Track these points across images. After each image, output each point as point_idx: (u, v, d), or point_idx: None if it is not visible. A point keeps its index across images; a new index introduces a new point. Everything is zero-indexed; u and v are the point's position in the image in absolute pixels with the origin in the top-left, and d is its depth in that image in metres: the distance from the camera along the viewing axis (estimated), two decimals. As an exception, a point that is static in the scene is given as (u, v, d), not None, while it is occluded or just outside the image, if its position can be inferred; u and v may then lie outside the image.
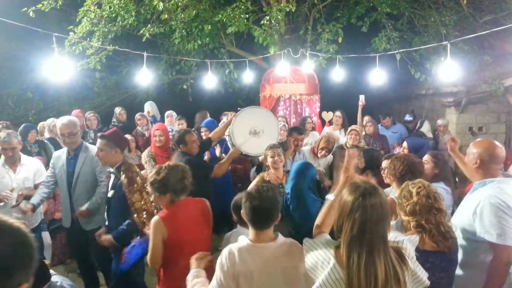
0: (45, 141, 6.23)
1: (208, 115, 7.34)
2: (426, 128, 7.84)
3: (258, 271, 2.25)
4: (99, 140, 3.75)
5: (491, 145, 2.80)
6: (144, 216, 3.35)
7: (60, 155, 4.33)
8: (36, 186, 4.49)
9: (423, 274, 1.90)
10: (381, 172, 3.54)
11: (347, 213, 1.83)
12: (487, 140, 2.92)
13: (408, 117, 8.00)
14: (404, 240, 1.97)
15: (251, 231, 2.36)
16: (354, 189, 1.87)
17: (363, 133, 6.31)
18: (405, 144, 5.00)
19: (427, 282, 1.90)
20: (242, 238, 2.37)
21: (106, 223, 3.75)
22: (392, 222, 3.05)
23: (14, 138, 4.35)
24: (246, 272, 2.24)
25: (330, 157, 5.57)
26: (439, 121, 7.62)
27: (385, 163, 3.56)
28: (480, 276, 2.60)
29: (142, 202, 3.39)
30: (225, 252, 2.30)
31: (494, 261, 2.54)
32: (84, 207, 4.05)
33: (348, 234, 1.80)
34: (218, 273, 2.27)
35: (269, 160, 4.17)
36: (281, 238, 2.38)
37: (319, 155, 5.46)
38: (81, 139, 4.35)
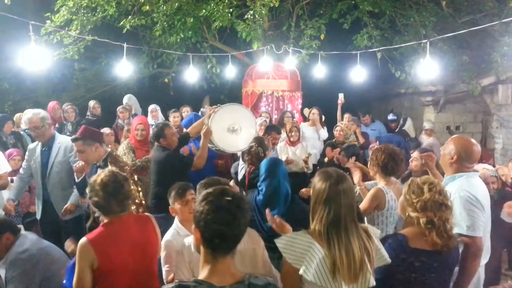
0: (22, 132, 6.10)
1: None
2: (408, 126, 7.98)
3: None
4: (74, 144, 3.72)
5: (469, 143, 2.85)
6: (133, 207, 3.14)
7: (34, 147, 4.33)
8: None
9: (385, 252, 2.09)
10: (368, 165, 3.60)
11: (321, 199, 1.98)
12: (465, 138, 2.98)
13: (391, 116, 8.05)
14: (369, 226, 2.17)
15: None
16: (325, 177, 2.01)
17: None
18: (377, 143, 5.21)
19: (389, 260, 2.09)
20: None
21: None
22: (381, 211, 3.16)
23: None
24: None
25: (304, 144, 5.73)
26: (426, 125, 7.54)
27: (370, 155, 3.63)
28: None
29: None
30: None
31: (464, 252, 2.59)
32: (70, 203, 4.01)
33: (325, 218, 1.95)
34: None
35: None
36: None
37: (291, 139, 5.74)
38: (52, 130, 4.35)
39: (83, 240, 2.33)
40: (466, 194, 2.65)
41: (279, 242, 1.99)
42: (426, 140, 7.32)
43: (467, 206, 2.63)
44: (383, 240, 2.29)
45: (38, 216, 4.35)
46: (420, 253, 2.25)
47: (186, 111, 7.19)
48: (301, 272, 1.92)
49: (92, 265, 2.30)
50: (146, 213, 2.77)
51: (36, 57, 4.36)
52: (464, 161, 2.81)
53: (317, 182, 2.04)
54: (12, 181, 4.89)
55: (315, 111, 6.96)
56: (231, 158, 6.20)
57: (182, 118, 6.80)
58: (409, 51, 7.58)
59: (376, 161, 3.34)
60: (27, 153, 4.40)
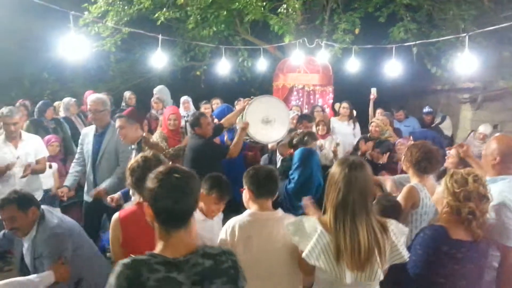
0: (61, 119, 6.33)
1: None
2: (447, 125, 7.68)
3: (258, 235, 2.36)
4: (118, 120, 3.91)
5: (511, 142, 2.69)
6: None
7: (88, 132, 4.43)
8: (37, 162, 4.54)
9: (404, 251, 2.05)
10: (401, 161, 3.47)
11: (334, 182, 2.01)
12: (509, 137, 2.80)
13: (427, 109, 7.72)
14: (393, 222, 2.11)
15: (252, 205, 2.50)
16: (342, 162, 2.05)
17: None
18: (411, 137, 5.02)
19: (406, 258, 2.05)
20: (246, 213, 2.49)
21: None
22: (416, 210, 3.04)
23: (16, 113, 4.38)
24: (245, 238, 2.35)
25: (334, 137, 5.73)
26: (481, 128, 6.65)
27: (402, 150, 3.53)
28: None
29: None
30: (225, 227, 2.46)
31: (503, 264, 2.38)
32: (101, 187, 4.09)
33: (334, 201, 1.99)
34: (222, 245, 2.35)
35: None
36: (281, 211, 2.53)
37: (319, 132, 5.72)
38: (109, 118, 4.41)
39: (115, 215, 2.48)
40: (506, 200, 2.48)
41: (289, 225, 2.08)
42: (477, 146, 6.25)
43: (507, 214, 2.46)
44: (420, 232, 2.26)
45: (89, 199, 4.34)
46: (461, 244, 2.20)
47: (216, 103, 7.26)
48: (303, 255, 1.97)
49: (119, 240, 2.43)
50: None
51: (76, 46, 4.52)
52: (507, 162, 2.63)
53: (333, 167, 2.08)
54: (50, 166, 5.10)
55: (345, 105, 6.88)
56: (260, 150, 6.24)
57: (212, 110, 6.88)
58: (446, 45, 7.33)
59: (410, 158, 3.19)
60: (80, 137, 4.51)
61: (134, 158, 2.67)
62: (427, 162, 3.14)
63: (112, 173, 4.16)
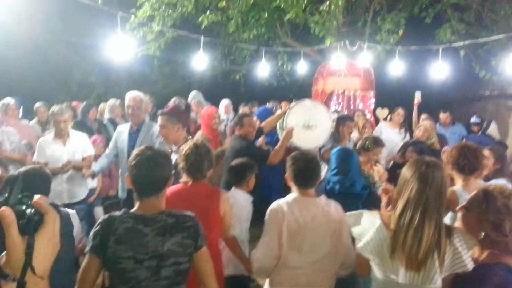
0: (105, 122, 6.50)
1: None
2: (493, 129, 7.30)
3: (305, 221, 2.45)
4: (160, 117, 3.76)
5: None
6: None
7: (123, 130, 4.51)
8: (83, 159, 4.68)
9: (468, 260, 1.87)
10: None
11: (409, 178, 1.92)
12: None
13: (474, 119, 7.27)
14: (461, 233, 1.94)
15: (296, 191, 2.58)
16: (417, 160, 1.98)
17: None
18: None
19: (469, 268, 1.86)
20: (289, 195, 2.58)
21: None
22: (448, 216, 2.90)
23: (66, 112, 4.55)
24: (293, 222, 2.44)
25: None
26: None
27: (445, 156, 3.36)
28: None
29: None
30: (273, 205, 2.53)
31: None
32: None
33: (407, 196, 1.90)
34: (267, 227, 2.49)
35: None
36: (324, 197, 2.60)
37: (364, 134, 5.61)
38: (145, 116, 4.50)
39: None
40: None
41: (349, 217, 2.08)
42: None
43: None
44: (494, 273, 1.86)
45: (124, 195, 4.45)
46: None
47: (255, 107, 7.25)
48: (358, 247, 1.95)
49: None
50: (219, 189, 3.01)
51: (122, 47, 4.68)
52: None
53: (407, 167, 2.00)
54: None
55: (401, 111, 6.49)
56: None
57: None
58: (496, 47, 6.99)
59: (450, 159, 3.08)
60: (115, 134, 4.61)
61: (187, 145, 2.87)
62: (465, 160, 3.00)
63: None
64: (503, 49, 6.96)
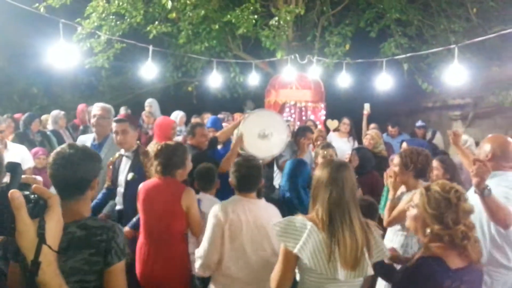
0: (48, 133, 6.21)
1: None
2: (438, 140, 7.68)
3: (247, 220, 2.57)
4: (120, 124, 3.67)
5: (505, 141, 2.79)
6: None
7: (85, 141, 4.26)
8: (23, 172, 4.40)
9: (385, 248, 2.07)
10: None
11: (324, 183, 1.99)
12: (501, 136, 2.89)
13: (419, 123, 7.66)
14: (370, 221, 2.11)
15: (237, 194, 2.73)
16: (327, 164, 2.08)
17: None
18: (404, 145, 4.97)
19: (388, 254, 2.09)
20: (232, 197, 2.73)
21: (118, 207, 3.69)
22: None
23: (2, 122, 4.37)
24: (236, 221, 2.56)
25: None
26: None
27: (395, 159, 3.37)
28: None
29: None
30: (216, 206, 2.65)
31: None
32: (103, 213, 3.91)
33: (328, 201, 1.96)
34: (210, 224, 2.59)
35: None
36: (264, 200, 2.77)
37: (317, 145, 5.52)
38: (110, 130, 4.25)
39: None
40: (505, 190, 2.52)
41: (276, 226, 2.00)
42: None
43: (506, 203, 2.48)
44: (414, 267, 1.98)
45: None
46: (462, 273, 1.89)
47: (207, 117, 7.19)
48: (295, 251, 1.89)
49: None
50: (184, 185, 3.15)
51: (65, 56, 4.47)
52: (499, 160, 2.73)
53: (318, 170, 2.09)
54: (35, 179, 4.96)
55: (346, 121, 6.78)
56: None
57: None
58: (436, 60, 7.42)
59: (411, 163, 3.09)
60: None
61: (154, 145, 3.20)
62: (429, 166, 3.16)
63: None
64: (442, 62, 7.40)
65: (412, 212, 2.03)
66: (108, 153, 4.04)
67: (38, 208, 0.95)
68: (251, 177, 2.69)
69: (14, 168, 0.98)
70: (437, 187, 1.97)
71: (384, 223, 3.06)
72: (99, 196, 3.79)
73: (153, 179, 3.11)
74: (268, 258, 2.55)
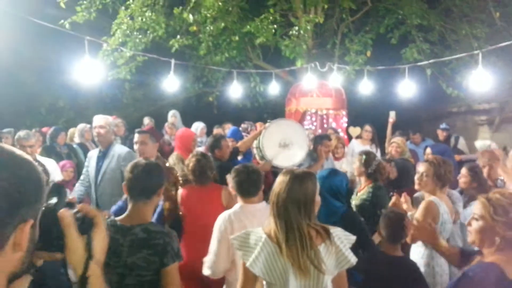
0: (75, 146, 6.35)
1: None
2: (462, 145, 7.51)
3: (252, 226, 2.57)
4: (141, 135, 3.92)
5: None
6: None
7: (93, 154, 4.47)
8: None
9: (351, 255, 2.00)
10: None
11: (275, 193, 2.02)
12: None
13: (443, 125, 7.48)
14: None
15: (240, 201, 2.85)
16: (285, 173, 2.07)
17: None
18: (428, 150, 4.93)
19: (353, 262, 1.99)
20: (235, 205, 2.86)
21: None
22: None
23: (32, 137, 4.48)
24: (243, 228, 2.55)
25: (349, 158, 5.59)
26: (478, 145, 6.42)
27: (421, 168, 3.33)
28: None
29: (173, 192, 3.66)
30: (221, 217, 2.78)
31: None
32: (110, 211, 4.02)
33: (274, 210, 2.00)
34: (214, 237, 2.74)
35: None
36: (265, 202, 2.82)
37: (336, 155, 5.62)
38: (113, 138, 4.52)
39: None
40: None
41: (233, 240, 2.06)
42: None
43: None
44: (463, 274, 1.90)
45: None
46: None
47: (228, 127, 7.24)
48: (247, 264, 1.94)
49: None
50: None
51: (90, 71, 4.60)
52: None
53: (277, 178, 2.09)
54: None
55: (368, 128, 6.71)
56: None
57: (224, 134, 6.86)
58: (460, 66, 7.27)
59: (432, 172, 3.09)
60: (86, 159, 4.55)
61: (191, 157, 3.55)
62: (450, 175, 3.11)
63: (113, 192, 4.07)
64: (467, 67, 7.25)
65: (476, 224, 1.93)
66: (111, 162, 4.23)
67: (85, 226, 1.01)
68: (251, 181, 2.81)
69: (59, 189, 1.06)
70: (498, 195, 1.91)
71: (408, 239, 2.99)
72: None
73: (190, 187, 3.53)
74: None
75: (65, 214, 0.98)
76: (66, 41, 5.12)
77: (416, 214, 3.00)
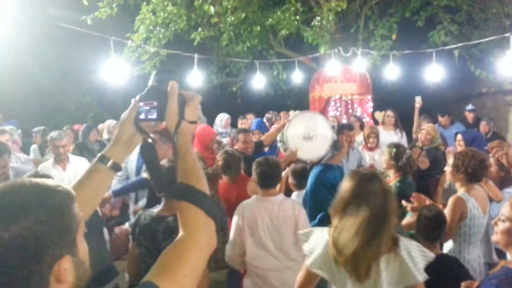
0: (105, 142, 6.52)
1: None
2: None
3: (262, 218, 2.89)
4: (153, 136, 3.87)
5: None
6: None
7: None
8: None
9: (419, 273, 1.84)
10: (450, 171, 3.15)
11: (342, 194, 1.93)
12: None
13: (470, 106, 7.33)
14: (414, 243, 1.98)
15: (259, 191, 3.01)
16: (353, 175, 1.99)
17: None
18: (459, 136, 4.76)
19: (419, 280, 1.84)
20: (252, 197, 3.05)
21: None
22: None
23: (64, 137, 4.57)
24: (252, 219, 2.90)
25: (384, 149, 5.43)
26: None
27: (451, 160, 3.18)
28: None
29: None
30: (238, 207, 3.00)
31: None
32: (139, 205, 4.14)
33: (341, 213, 1.90)
34: (232, 224, 2.99)
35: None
36: (282, 195, 3.04)
37: (368, 145, 5.50)
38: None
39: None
40: None
41: (302, 235, 2.09)
42: None
43: None
44: (488, 279, 1.88)
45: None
46: None
47: (250, 118, 7.26)
48: (307, 263, 1.97)
49: None
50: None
51: (116, 71, 4.70)
52: None
53: (344, 180, 1.99)
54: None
55: (390, 113, 6.60)
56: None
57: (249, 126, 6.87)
58: (490, 46, 7.00)
59: (463, 166, 2.96)
60: None
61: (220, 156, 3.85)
62: (484, 170, 2.98)
63: None
64: (496, 47, 6.97)
65: (503, 226, 1.90)
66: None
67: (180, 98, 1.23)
68: (271, 174, 2.94)
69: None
70: None
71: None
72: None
73: (225, 180, 3.95)
74: (286, 248, 2.89)
75: (174, 84, 1.19)
76: (91, 39, 5.23)
77: (445, 211, 2.93)
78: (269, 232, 2.89)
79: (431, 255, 1.95)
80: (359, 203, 1.86)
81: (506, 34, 4.45)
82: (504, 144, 3.34)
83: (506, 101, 8.57)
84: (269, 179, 2.97)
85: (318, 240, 1.99)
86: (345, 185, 1.95)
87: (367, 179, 1.91)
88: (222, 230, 3.90)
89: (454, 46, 6.15)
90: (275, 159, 3.13)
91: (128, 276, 3.24)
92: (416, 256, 1.89)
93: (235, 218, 2.96)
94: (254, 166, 3.03)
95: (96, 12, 7.11)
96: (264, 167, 2.96)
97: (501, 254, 2.83)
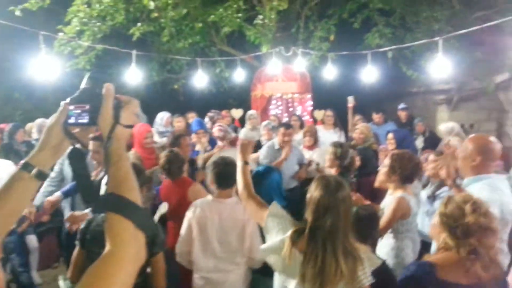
0: (33, 142, 6.11)
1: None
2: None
3: (212, 219, 2.92)
4: (92, 143, 3.74)
5: (487, 141, 2.74)
6: None
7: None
8: None
9: (366, 279, 1.89)
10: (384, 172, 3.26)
11: (311, 203, 1.95)
12: (482, 136, 2.85)
13: (402, 105, 7.69)
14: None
15: (215, 191, 3.04)
16: (319, 182, 1.99)
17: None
18: (390, 135, 5.01)
19: (370, 279, 1.91)
20: (205, 197, 3.09)
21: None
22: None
23: None
24: (202, 220, 2.93)
25: (324, 148, 5.55)
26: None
27: (386, 161, 3.29)
28: None
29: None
30: (192, 204, 3.05)
31: None
32: (86, 211, 3.89)
33: (311, 223, 1.93)
34: (184, 223, 3.02)
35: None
36: (236, 198, 2.95)
37: (306, 143, 5.60)
38: None
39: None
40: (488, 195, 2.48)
41: (273, 207, 2.18)
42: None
43: None
44: (407, 268, 2.06)
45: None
46: (450, 287, 1.87)
47: (192, 116, 7.10)
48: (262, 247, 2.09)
49: None
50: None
51: (47, 67, 4.39)
52: (485, 161, 2.68)
53: (311, 187, 1.99)
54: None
55: (329, 113, 6.81)
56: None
57: (187, 124, 6.72)
58: (421, 48, 7.43)
59: (399, 169, 3.05)
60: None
61: (163, 154, 3.75)
62: (417, 173, 3.15)
63: None
64: (426, 49, 7.40)
65: (433, 221, 2.12)
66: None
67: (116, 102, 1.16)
68: (228, 174, 2.91)
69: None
70: (458, 197, 2.02)
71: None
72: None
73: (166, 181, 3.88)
74: (231, 251, 2.92)
75: (109, 87, 1.13)
76: (20, 32, 4.83)
77: (386, 212, 3.02)
78: (217, 233, 2.92)
79: (378, 261, 2.08)
80: (325, 213, 1.90)
81: (436, 38, 4.72)
82: (448, 156, 3.51)
83: (435, 100, 9.16)
84: (226, 178, 2.96)
85: (280, 228, 2.08)
86: (313, 193, 1.96)
87: (335, 188, 1.93)
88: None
89: (388, 48, 6.46)
90: (231, 159, 3.07)
91: (64, 285, 3.15)
92: (367, 262, 1.96)
93: (188, 215, 3.01)
94: (211, 167, 3.03)
95: (26, 3, 6.61)
96: (221, 167, 2.97)
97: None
